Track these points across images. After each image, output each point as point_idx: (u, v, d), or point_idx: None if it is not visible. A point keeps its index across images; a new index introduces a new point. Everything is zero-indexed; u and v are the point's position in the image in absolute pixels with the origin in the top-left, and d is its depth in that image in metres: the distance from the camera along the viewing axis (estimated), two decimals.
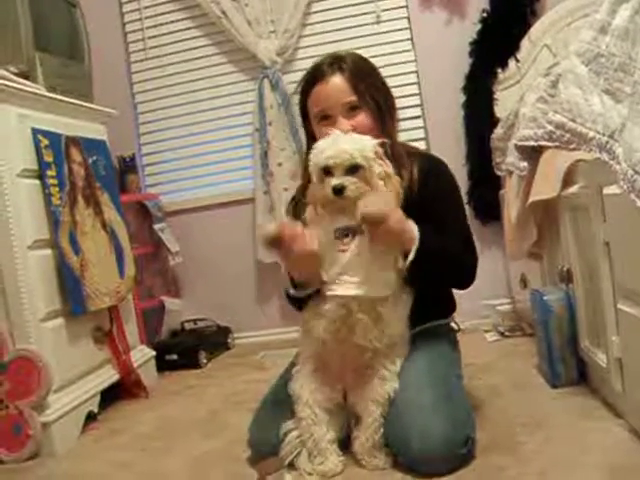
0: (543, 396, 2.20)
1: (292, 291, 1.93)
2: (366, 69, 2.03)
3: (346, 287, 1.77)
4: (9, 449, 2.32)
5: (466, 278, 1.98)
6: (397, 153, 1.95)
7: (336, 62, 1.99)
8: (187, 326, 3.90)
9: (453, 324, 2.19)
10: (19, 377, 2.33)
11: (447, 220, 1.94)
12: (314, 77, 2.02)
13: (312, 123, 2.04)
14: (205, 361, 3.51)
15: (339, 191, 1.72)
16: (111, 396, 2.84)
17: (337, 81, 1.96)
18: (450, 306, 2.18)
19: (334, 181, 1.73)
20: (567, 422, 1.93)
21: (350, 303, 1.76)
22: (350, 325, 1.78)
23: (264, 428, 1.95)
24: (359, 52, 2.12)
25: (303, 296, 1.89)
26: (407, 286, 1.85)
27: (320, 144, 1.80)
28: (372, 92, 1.98)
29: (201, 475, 1.98)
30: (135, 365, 2.97)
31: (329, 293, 1.79)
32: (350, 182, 1.72)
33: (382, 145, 1.82)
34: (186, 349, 3.50)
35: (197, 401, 2.83)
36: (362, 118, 1.95)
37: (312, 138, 2.04)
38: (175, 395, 2.97)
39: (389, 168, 1.81)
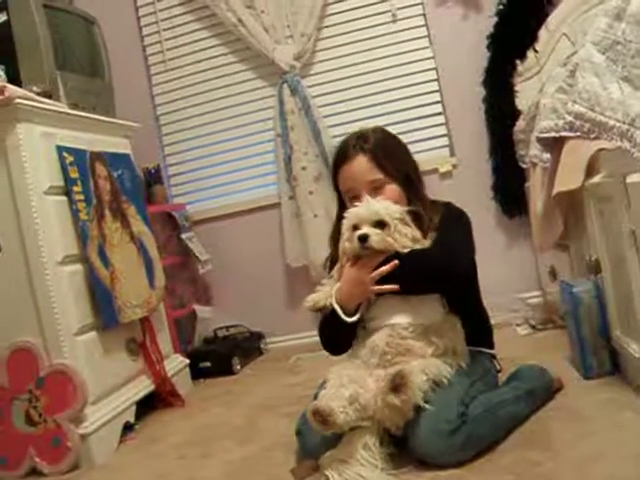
0: (576, 388, 2.18)
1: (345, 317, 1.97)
2: (389, 145, 2.12)
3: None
4: (49, 461, 2.37)
5: (441, 276, 1.94)
6: (427, 220, 2.04)
7: (359, 142, 2.09)
8: (219, 333, 3.91)
9: (495, 362, 2.24)
10: (56, 391, 2.37)
11: (444, 233, 2.00)
12: (340, 157, 2.13)
13: (344, 199, 2.15)
14: (239, 367, 3.53)
15: (364, 239, 1.87)
16: (147, 406, 2.88)
17: (361, 161, 2.06)
18: (487, 333, 2.27)
19: (359, 231, 1.88)
20: (601, 414, 1.91)
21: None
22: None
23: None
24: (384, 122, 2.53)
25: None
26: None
27: (353, 209, 1.96)
28: (397, 166, 2.07)
29: None
30: (169, 374, 3.01)
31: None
32: (374, 233, 1.87)
33: (410, 212, 1.98)
34: (219, 356, 3.52)
35: (232, 407, 2.84)
36: (388, 193, 2.04)
37: (343, 207, 2.15)
38: (210, 402, 2.98)
39: (416, 232, 1.95)
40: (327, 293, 2.01)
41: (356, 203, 2.00)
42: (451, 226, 2.03)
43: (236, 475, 2.05)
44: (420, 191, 2.12)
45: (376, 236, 1.87)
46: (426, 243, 1.96)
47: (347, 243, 1.95)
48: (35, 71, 2.65)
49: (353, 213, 1.95)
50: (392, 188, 2.06)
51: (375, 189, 2.04)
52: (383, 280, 1.90)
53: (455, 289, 1.98)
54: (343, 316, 1.94)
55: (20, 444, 2.39)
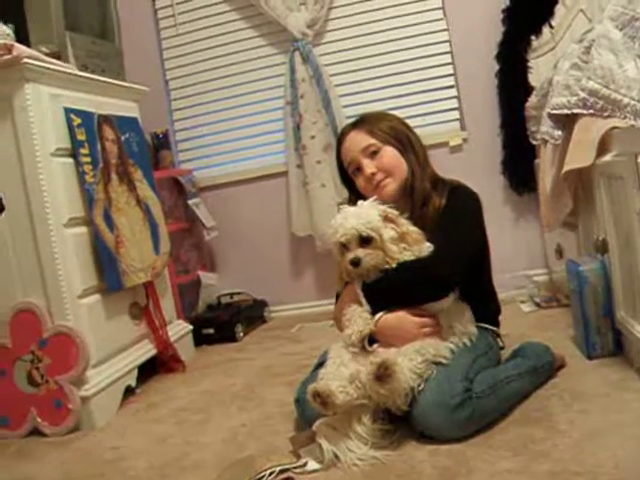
0: (579, 367, 2.18)
1: None
2: (383, 117, 2.22)
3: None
4: (51, 422, 2.38)
5: (433, 288, 1.93)
6: (420, 189, 2.10)
7: (356, 122, 2.21)
8: (223, 300, 3.93)
9: (499, 340, 2.23)
10: (58, 353, 2.38)
11: (442, 227, 2.00)
12: (338, 143, 2.25)
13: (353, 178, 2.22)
14: (241, 334, 3.54)
15: (356, 264, 1.88)
16: (149, 370, 2.89)
17: (354, 134, 2.17)
18: (494, 311, 2.25)
19: (350, 255, 1.89)
20: (603, 393, 1.91)
21: None
22: None
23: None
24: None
25: None
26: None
27: (333, 223, 1.95)
28: (389, 132, 2.15)
29: (237, 447, 2.00)
30: (172, 340, 3.02)
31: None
32: (364, 254, 1.88)
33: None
34: (222, 323, 3.52)
35: (233, 374, 2.85)
36: (384, 159, 2.12)
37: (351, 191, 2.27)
38: (212, 369, 3.00)
39: (403, 226, 1.94)
40: (363, 318, 1.94)
41: (361, 180, 2.14)
42: (452, 220, 2.01)
43: (235, 442, 2.06)
44: (414, 160, 2.14)
45: (367, 256, 1.87)
46: (419, 238, 1.94)
47: (341, 263, 1.96)
48: (44, 31, 2.62)
49: (336, 232, 1.92)
50: (387, 149, 2.12)
51: (372, 155, 2.12)
52: (375, 293, 1.92)
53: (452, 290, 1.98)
54: (367, 346, 1.91)
55: (22, 404, 2.41)
